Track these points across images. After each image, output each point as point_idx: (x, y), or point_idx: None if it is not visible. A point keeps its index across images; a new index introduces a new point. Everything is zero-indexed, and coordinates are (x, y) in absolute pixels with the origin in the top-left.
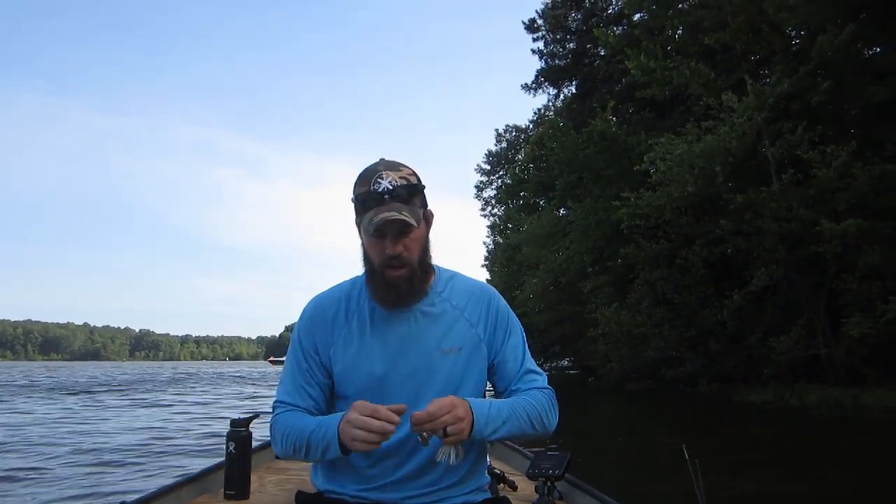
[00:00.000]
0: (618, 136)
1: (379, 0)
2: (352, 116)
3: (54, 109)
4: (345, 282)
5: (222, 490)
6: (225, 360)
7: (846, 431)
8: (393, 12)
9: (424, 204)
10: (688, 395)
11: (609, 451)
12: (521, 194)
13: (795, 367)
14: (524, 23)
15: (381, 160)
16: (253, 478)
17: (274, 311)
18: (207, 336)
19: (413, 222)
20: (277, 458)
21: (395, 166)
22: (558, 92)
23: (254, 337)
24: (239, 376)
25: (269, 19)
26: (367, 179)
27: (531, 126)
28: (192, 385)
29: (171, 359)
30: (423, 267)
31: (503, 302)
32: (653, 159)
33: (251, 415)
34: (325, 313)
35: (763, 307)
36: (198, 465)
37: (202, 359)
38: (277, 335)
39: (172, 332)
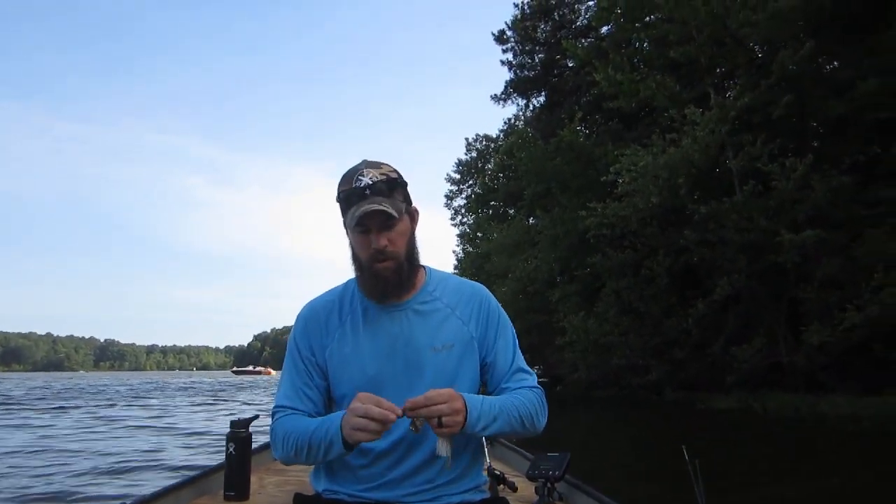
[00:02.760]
0: (585, 147)
1: (349, 11)
2: (322, 125)
3: (13, 113)
4: (337, 286)
5: (222, 491)
6: (192, 370)
7: (809, 438)
8: (363, 22)
9: (407, 199)
10: (654, 402)
11: (601, 456)
12: (491, 203)
13: (757, 375)
14: (493, 34)
15: (364, 160)
16: (253, 479)
17: (242, 320)
18: (174, 346)
19: (394, 213)
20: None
21: (375, 164)
22: (527, 102)
23: (222, 346)
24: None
25: (239, 28)
26: (349, 178)
27: (501, 136)
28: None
29: (136, 369)
30: (410, 260)
31: (495, 301)
32: (619, 170)
33: (251, 416)
34: (319, 316)
35: (725, 316)
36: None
37: (168, 369)
38: (245, 344)
39: (138, 342)
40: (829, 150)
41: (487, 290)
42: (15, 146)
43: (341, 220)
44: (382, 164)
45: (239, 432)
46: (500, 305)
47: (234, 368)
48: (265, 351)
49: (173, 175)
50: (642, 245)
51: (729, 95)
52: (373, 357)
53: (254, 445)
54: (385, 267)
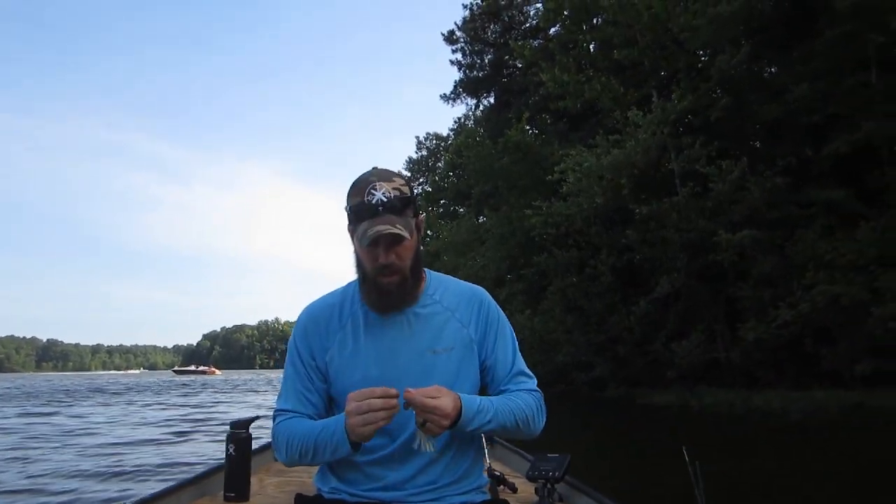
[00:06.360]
0: (532, 147)
1: (300, 9)
2: (272, 123)
3: None
4: (337, 289)
5: (222, 492)
6: (139, 370)
7: (746, 432)
8: (314, 21)
9: (416, 212)
10: (598, 398)
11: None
12: (441, 202)
13: (696, 371)
14: (443, 34)
15: (374, 169)
16: (253, 480)
17: (190, 318)
18: (121, 345)
19: (406, 235)
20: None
21: (387, 176)
22: (477, 102)
23: (170, 346)
24: None
25: (188, 22)
26: (360, 190)
27: (451, 135)
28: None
29: (81, 369)
30: (415, 273)
31: (494, 304)
32: (564, 170)
33: (251, 417)
34: (319, 320)
35: (666, 313)
36: None
37: (115, 369)
38: (195, 343)
39: (83, 342)
40: (766, 152)
41: (487, 293)
42: None
43: (347, 225)
44: (394, 176)
45: (239, 433)
46: (500, 309)
47: (176, 368)
48: (214, 350)
49: (120, 171)
50: (587, 244)
51: (672, 98)
52: (374, 360)
53: (254, 446)
54: (390, 281)
